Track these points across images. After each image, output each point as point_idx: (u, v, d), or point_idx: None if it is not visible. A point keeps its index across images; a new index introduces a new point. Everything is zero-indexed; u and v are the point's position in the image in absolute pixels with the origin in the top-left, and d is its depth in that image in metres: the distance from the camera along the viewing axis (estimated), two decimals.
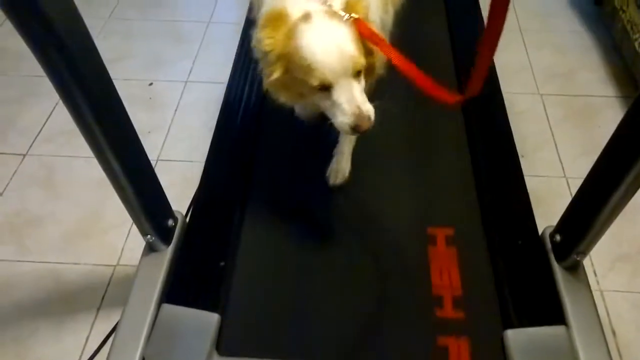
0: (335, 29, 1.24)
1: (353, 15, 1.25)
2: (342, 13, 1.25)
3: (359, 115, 1.24)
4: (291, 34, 1.24)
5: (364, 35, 1.25)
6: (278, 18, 1.25)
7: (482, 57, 1.12)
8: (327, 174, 1.72)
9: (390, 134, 1.75)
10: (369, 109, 1.26)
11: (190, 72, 2.66)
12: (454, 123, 1.91)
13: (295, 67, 1.25)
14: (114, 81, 1.20)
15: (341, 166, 1.72)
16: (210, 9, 3.07)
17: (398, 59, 1.22)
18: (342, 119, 1.25)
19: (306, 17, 1.24)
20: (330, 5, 1.27)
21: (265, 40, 1.25)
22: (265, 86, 1.35)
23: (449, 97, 1.22)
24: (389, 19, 1.62)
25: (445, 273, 1.52)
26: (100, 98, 1.15)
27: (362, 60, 1.24)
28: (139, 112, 2.42)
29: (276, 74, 1.28)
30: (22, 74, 2.60)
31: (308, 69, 1.22)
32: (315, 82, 1.23)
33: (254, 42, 1.32)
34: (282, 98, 1.39)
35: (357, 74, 1.24)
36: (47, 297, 1.81)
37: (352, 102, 1.24)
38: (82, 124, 1.16)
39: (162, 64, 2.71)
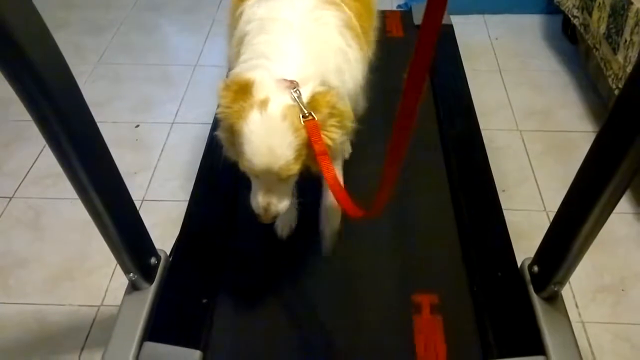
0: (279, 132, 1.21)
1: (312, 114, 1.21)
2: (304, 110, 1.21)
3: (262, 212, 1.34)
4: (243, 113, 1.22)
5: (310, 139, 1.21)
6: (241, 90, 1.24)
7: (386, 177, 1.10)
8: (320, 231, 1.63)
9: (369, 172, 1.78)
10: (277, 210, 1.34)
11: (177, 113, 2.71)
12: (433, 159, 1.95)
13: (236, 140, 1.27)
14: (102, 124, 1.23)
15: (330, 223, 1.62)
16: (197, 53, 3.14)
17: (330, 177, 1.22)
18: (252, 202, 1.36)
19: (263, 103, 1.21)
20: (298, 93, 1.22)
21: (221, 107, 1.26)
22: (216, 135, 1.38)
23: (356, 211, 1.21)
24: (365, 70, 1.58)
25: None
26: (85, 141, 1.18)
27: (292, 169, 1.24)
28: (126, 153, 2.46)
29: (222, 134, 1.33)
30: (10, 118, 2.64)
31: (241, 152, 1.25)
32: (242, 167, 1.28)
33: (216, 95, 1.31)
34: (227, 152, 1.39)
35: (284, 177, 1.27)
36: (31, 338, 1.81)
37: (259, 201, 1.33)
38: (67, 166, 1.19)
39: (149, 106, 2.76)
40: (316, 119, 1.21)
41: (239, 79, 1.26)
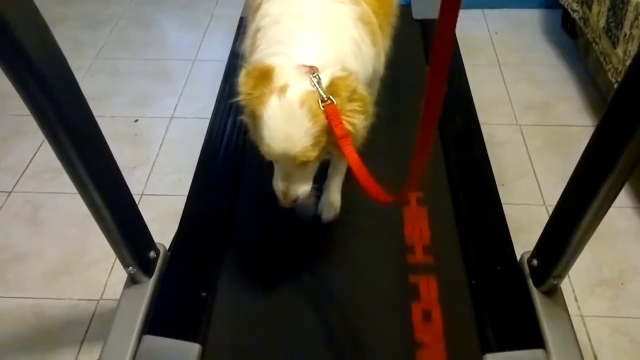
0: (297, 118, 1.22)
1: (331, 98, 1.21)
2: (322, 95, 1.22)
3: (281, 195, 1.38)
4: (264, 99, 1.24)
5: (330, 124, 1.22)
6: (261, 76, 1.26)
7: (418, 155, 1.12)
8: (318, 210, 1.72)
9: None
10: (296, 194, 1.36)
11: (176, 108, 2.70)
12: (433, 154, 1.94)
13: (257, 124, 1.29)
14: (100, 118, 1.23)
15: (332, 199, 1.71)
16: (196, 48, 3.13)
17: (353, 159, 1.22)
18: (273, 186, 1.39)
19: (282, 89, 1.23)
20: (317, 79, 1.23)
21: (243, 93, 1.28)
22: (241, 120, 1.40)
23: (386, 197, 1.20)
24: (381, 66, 1.60)
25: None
26: (84, 136, 1.18)
27: (310, 155, 1.26)
28: (125, 148, 2.45)
29: (246, 118, 1.35)
30: (8, 113, 2.63)
31: (261, 137, 1.27)
32: (262, 151, 1.30)
33: (238, 81, 1.32)
34: (252, 136, 1.41)
35: (302, 163, 1.28)
36: (31, 332, 1.81)
37: (279, 185, 1.36)
38: (66, 161, 1.19)
39: (148, 101, 2.76)
40: (335, 103, 1.22)
41: (259, 66, 1.28)
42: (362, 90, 1.31)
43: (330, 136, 1.25)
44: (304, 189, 1.37)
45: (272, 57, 1.30)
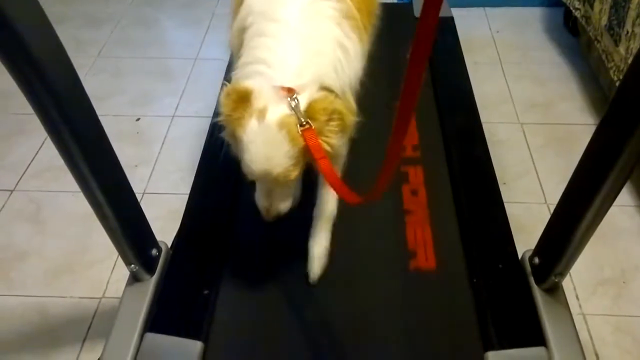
0: (276, 141, 1.23)
1: (309, 122, 1.22)
2: (301, 119, 1.22)
3: (264, 211, 1.41)
4: (243, 122, 1.25)
5: (309, 147, 1.23)
6: (240, 99, 1.26)
7: (389, 158, 1.06)
8: (307, 268, 1.59)
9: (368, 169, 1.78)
10: (278, 210, 1.39)
11: (177, 107, 2.71)
12: (434, 153, 1.95)
13: (237, 145, 1.30)
14: (102, 117, 1.23)
15: (319, 252, 1.59)
16: (197, 47, 3.14)
17: (330, 178, 1.22)
18: (257, 202, 1.41)
19: (261, 113, 1.24)
20: (295, 103, 1.24)
21: (223, 114, 1.29)
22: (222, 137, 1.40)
23: (354, 198, 1.20)
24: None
25: None
26: (86, 134, 1.18)
27: (291, 175, 1.27)
28: (127, 146, 2.46)
29: (227, 137, 1.35)
30: (11, 112, 2.64)
31: (242, 157, 1.28)
32: (243, 170, 1.31)
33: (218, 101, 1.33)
34: (234, 151, 1.40)
35: (283, 182, 1.30)
36: (33, 330, 1.81)
37: (262, 201, 1.39)
38: (69, 159, 1.19)
39: (150, 100, 2.76)
40: (313, 127, 1.23)
41: (238, 88, 1.28)
42: (341, 106, 1.30)
43: (308, 156, 1.27)
44: (285, 204, 1.40)
45: (252, 76, 1.30)
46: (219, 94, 1.32)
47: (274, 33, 1.36)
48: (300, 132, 1.22)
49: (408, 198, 1.80)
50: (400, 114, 0.96)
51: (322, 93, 1.30)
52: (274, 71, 1.30)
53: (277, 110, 1.24)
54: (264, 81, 1.28)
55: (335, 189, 1.23)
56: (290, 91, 1.25)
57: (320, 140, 1.24)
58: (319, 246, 1.59)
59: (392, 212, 1.76)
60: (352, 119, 1.37)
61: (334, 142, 1.29)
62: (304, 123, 1.22)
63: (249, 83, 1.29)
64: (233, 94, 1.27)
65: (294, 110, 1.23)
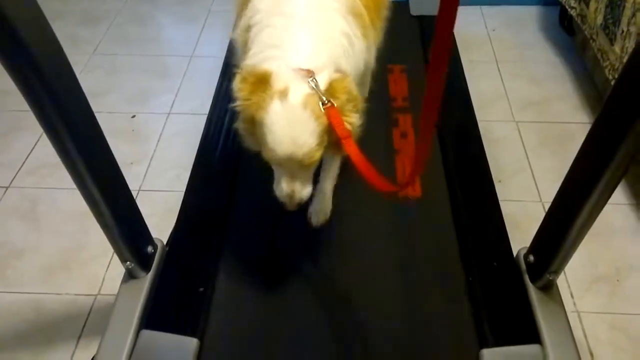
0: (301, 120, 1.23)
1: (331, 101, 1.23)
2: (322, 97, 1.23)
3: (287, 199, 1.37)
4: (264, 104, 1.24)
5: (332, 125, 1.24)
6: (259, 82, 1.25)
7: (422, 137, 1.13)
8: (308, 215, 1.71)
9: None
10: (300, 196, 1.37)
11: (173, 104, 2.70)
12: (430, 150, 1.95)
13: (257, 130, 1.29)
14: (98, 114, 1.23)
15: (322, 206, 1.71)
16: (193, 44, 3.13)
17: (356, 157, 1.23)
18: (276, 191, 1.39)
19: (283, 93, 1.23)
20: (315, 83, 1.24)
21: (240, 100, 1.28)
22: (235, 127, 1.40)
23: (391, 187, 1.24)
24: (372, 60, 1.61)
25: None
26: (82, 131, 1.19)
27: (315, 156, 1.27)
28: (122, 143, 2.45)
29: (242, 125, 1.34)
30: (6, 109, 2.63)
31: (264, 142, 1.27)
32: (265, 156, 1.30)
33: (233, 87, 1.31)
34: (247, 143, 1.41)
35: (307, 164, 1.29)
36: (29, 327, 1.81)
37: (284, 188, 1.36)
38: (64, 156, 1.19)
39: (146, 97, 2.75)
40: (335, 105, 1.24)
41: (255, 71, 1.27)
42: (355, 90, 1.32)
43: (330, 136, 1.27)
44: (307, 190, 1.38)
45: (267, 61, 1.30)
46: (233, 81, 1.30)
47: (283, 25, 1.36)
48: (323, 111, 1.23)
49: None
50: (427, 107, 1.01)
51: (339, 74, 1.30)
52: (289, 54, 1.30)
53: (300, 90, 1.24)
54: (281, 63, 1.28)
55: (362, 173, 1.22)
56: (309, 72, 1.26)
57: (342, 119, 1.25)
58: (325, 202, 1.68)
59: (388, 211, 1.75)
60: (362, 101, 1.38)
61: (354, 120, 1.30)
62: (326, 102, 1.23)
63: (266, 66, 1.28)
64: (250, 77, 1.26)
65: (316, 90, 1.24)
